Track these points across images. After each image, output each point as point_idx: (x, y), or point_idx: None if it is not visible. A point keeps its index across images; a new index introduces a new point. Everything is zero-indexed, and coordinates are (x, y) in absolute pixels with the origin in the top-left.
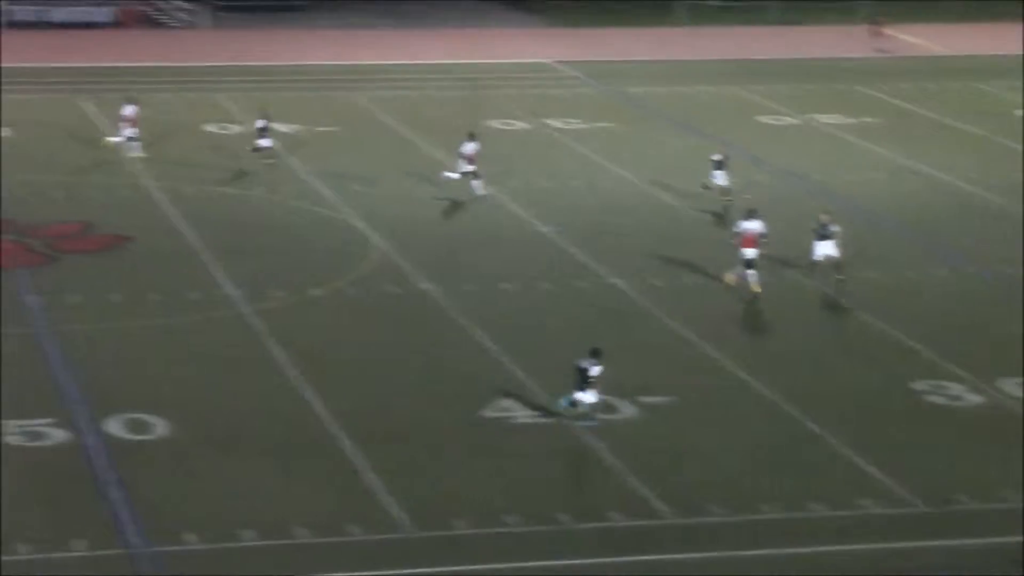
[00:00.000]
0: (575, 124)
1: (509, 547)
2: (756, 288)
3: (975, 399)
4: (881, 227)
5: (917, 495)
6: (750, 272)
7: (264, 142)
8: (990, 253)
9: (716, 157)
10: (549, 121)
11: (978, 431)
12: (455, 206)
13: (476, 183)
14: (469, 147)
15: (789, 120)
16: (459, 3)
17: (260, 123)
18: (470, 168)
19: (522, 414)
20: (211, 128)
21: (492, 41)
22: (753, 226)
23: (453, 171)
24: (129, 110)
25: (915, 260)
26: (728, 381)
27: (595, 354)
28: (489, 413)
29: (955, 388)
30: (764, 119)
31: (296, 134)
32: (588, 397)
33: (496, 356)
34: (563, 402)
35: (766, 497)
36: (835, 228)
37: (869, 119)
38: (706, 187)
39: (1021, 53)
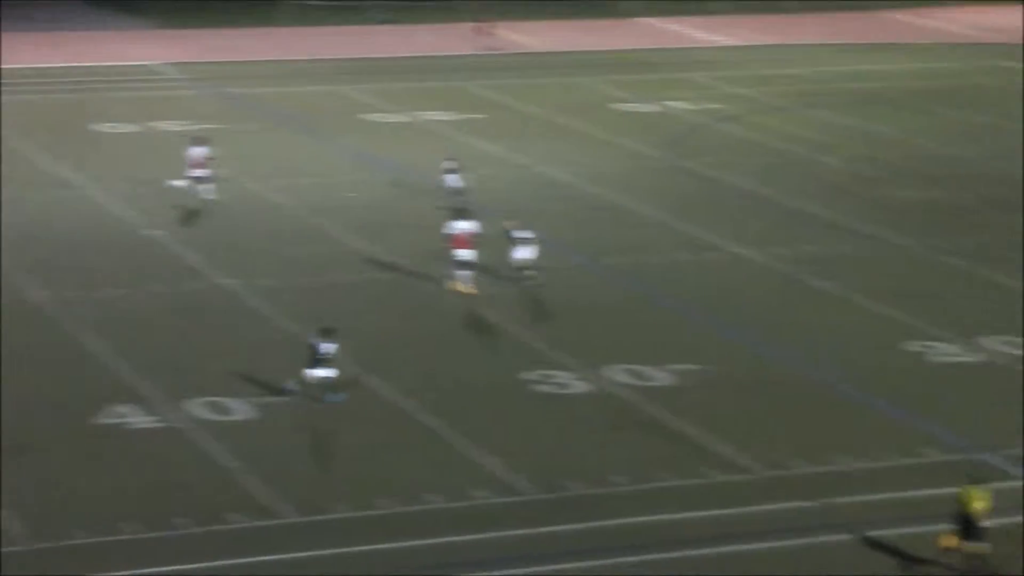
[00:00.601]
0: (185, 126)
1: (128, 554)
2: (471, 290)
3: (583, 386)
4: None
5: (531, 483)
6: (463, 273)
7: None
8: (593, 243)
9: (449, 164)
10: (158, 124)
11: (587, 417)
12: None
13: (205, 187)
14: (196, 151)
15: (397, 118)
16: (61, 5)
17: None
18: (198, 173)
19: (137, 420)
20: None
21: (98, 44)
22: (465, 226)
23: (179, 178)
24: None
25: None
26: (343, 376)
27: (326, 333)
28: (103, 420)
29: (563, 376)
30: (372, 117)
31: None
32: (319, 373)
33: (107, 361)
34: (290, 383)
35: (386, 491)
36: (527, 234)
37: (475, 115)
38: (454, 189)
39: (616, 48)
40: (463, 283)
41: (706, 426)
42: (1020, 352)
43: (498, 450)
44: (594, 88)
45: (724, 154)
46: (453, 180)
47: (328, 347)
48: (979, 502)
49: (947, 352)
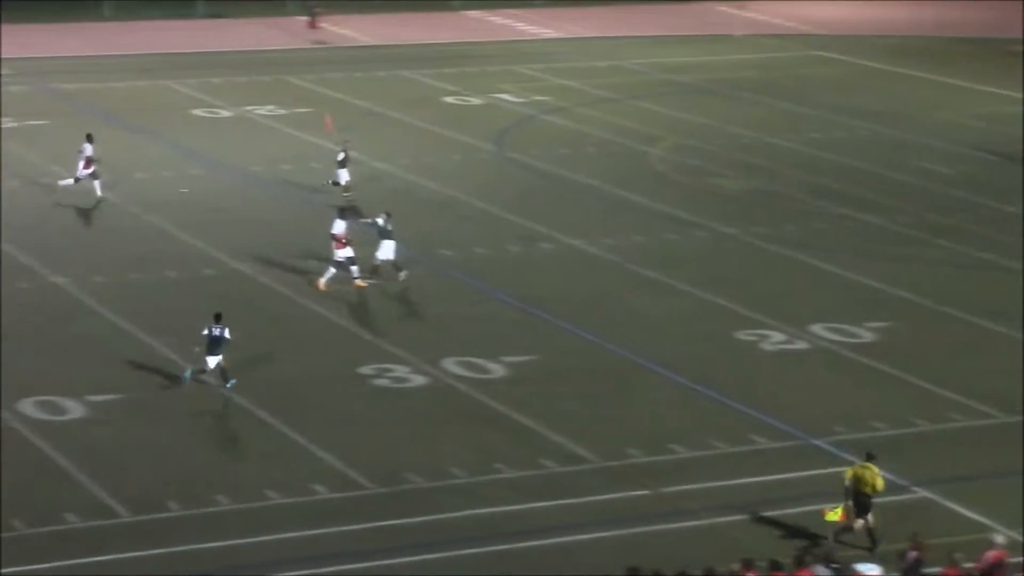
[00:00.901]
0: (10, 123)
1: None
2: (328, 287)
3: (420, 380)
4: (319, 216)
5: (369, 477)
6: (332, 271)
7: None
8: (425, 237)
9: (340, 157)
10: None
11: (424, 411)
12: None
13: (97, 183)
14: (88, 149)
15: (224, 113)
16: None
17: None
18: (88, 171)
19: None
20: None
21: None
22: (338, 227)
23: (68, 176)
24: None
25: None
26: (176, 376)
27: (218, 319)
28: None
29: (401, 370)
30: (198, 112)
31: None
32: (214, 358)
33: None
34: (186, 374)
35: (223, 489)
36: (391, 227)
37: (302, 109)
38: (335, 184)
39: (444, 41)
40: (325, 281)
41: (542, 417)
42: (845, 339)
43: (337, 445)
44: (423, 81)
45: (552, 146)
46: (343, 175)
47: (223, 332)
48: (879, 479)
49: (776, 340)
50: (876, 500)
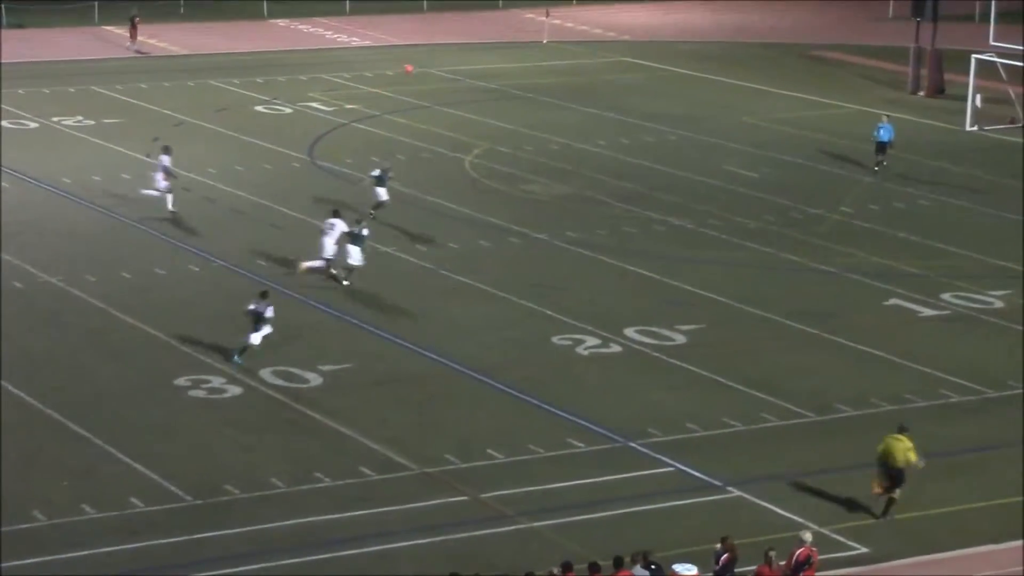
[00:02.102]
0: None
1: None
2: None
3: (236, 390)
4: (133, 227)
5: (186, 489)
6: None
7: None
8: (237, 246)
9: (376, 173)
10: None
11: (241, 421)
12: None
13: (171, 196)
14: (165, 159)
15: (30, 124)
16: None
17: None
18: (164, 184)
19: None
20: None
21: None
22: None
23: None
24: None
25: (164, 257)
26: None
27: (264, 295)
28: None
29: (217, 381)
30: (5, 124)
31: None
32: (262, 334)
33: None
34: (236, 357)
35: (37, 504)
36: (366, 232)
37: (110, 120)
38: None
39: (255, 50)
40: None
41: (360, 425)
42: (658, 342)
43: (153, 457)
44: (233, 91)
45: (364, 154)
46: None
47: (270, 310)
48: (911, 453)
49: (590, 344)
50: (693, 501)
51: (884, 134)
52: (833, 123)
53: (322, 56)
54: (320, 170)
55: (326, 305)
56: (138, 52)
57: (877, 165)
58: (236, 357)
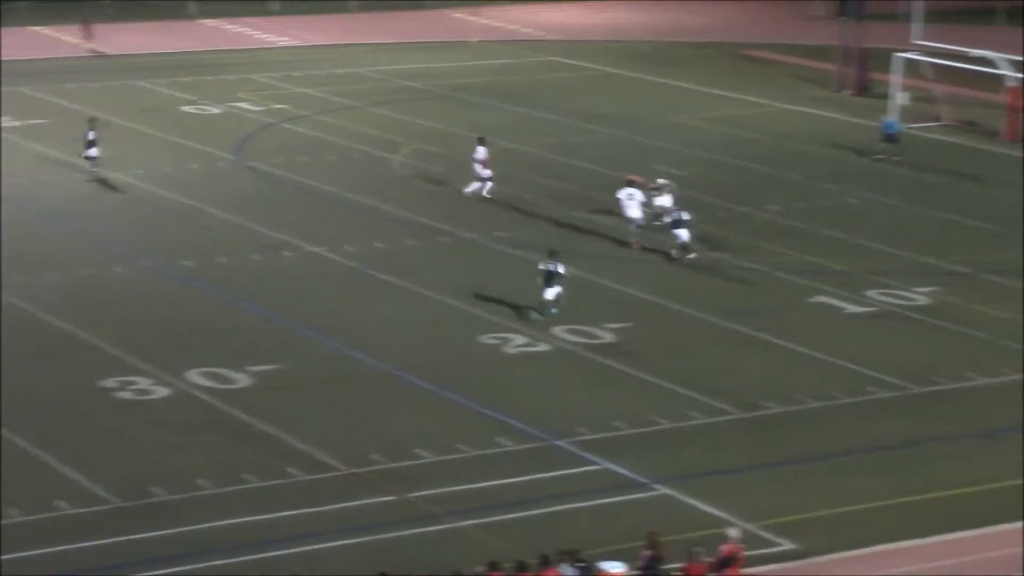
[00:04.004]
0: None
1: None
2: None
3: (164, 391)
4: (58, 228)
5: (113, 491)
6: None
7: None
8: (166, 247)
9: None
10: None
11: (169, 423)
12: None
13: (489, 185)
14: (480, 152)
15: None
16: None
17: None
18: (486, 173)
19: None
20: None
21: None
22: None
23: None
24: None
25: (91, 259)
26: None
27: (553, 254)
28: None
29: (144, 382)
30: None
31: None
32: (551, 292)
33: None
34: (533, 314)
35: None
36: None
37: (36, 120)
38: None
39: (182, 50)
40: None
41: (288, 426)
42: (586, 340)
43: (79, 460)
44: (160, 91)
45: (292, 154)
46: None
47: (562, 267)
48: None
49: (518, 343)
50: (621, 499)
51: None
52: (761, 122)
53: (250, 56)
54: (249, 170)
55: (253, 306)
56: (92, 52)
57: (882, 154)
58: (534, 314)
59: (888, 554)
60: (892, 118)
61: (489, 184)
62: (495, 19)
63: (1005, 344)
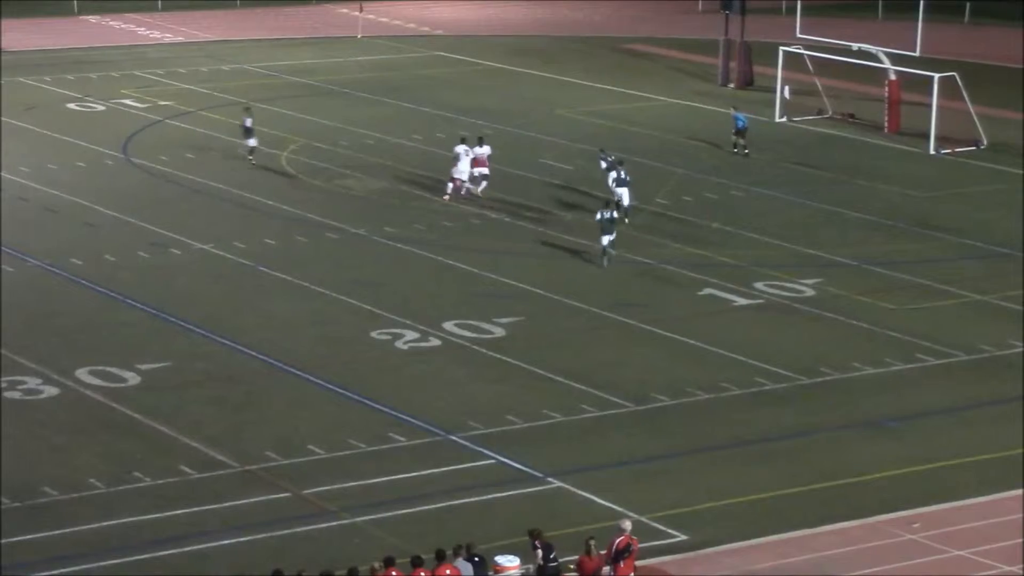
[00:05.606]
0: None
1: None
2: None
3: (52, 391)
4: None
5: (3, 492)
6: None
7: (252, 142)
8: (53, 245)
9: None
10: None
11: (58, 422)
12: None
13: (483, 184)
14: (482, 150)
15: None
16: None
17: (247, 122)
18: (483, 171)
19: None
20: None
21: None
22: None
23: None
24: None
25: None
26: None
27: (608, 204)
28: None
29: (32, 382)
30: None
31: None
32: (607, 239)
33: None
34: (602, 260)
35: None
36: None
37: None
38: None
39: (66, 47)
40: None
41: (179, 424)
42: (477, 335)
43: None
44: (44, 88)
45: (178, 151)
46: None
47: (613, 215)
48: None
49: (409, 339)
50: (515, 492)
51: (739, 122)
52: (645, 115)
53: (134, 53)
54: (135, 167)
55: (143, 303)
56: None
57: (735, 147)
58: (603, 260)
59: (778, 544)
60: (740, 112)
61: (483, 184)
62: (380, 14)
63: (889, 334)
